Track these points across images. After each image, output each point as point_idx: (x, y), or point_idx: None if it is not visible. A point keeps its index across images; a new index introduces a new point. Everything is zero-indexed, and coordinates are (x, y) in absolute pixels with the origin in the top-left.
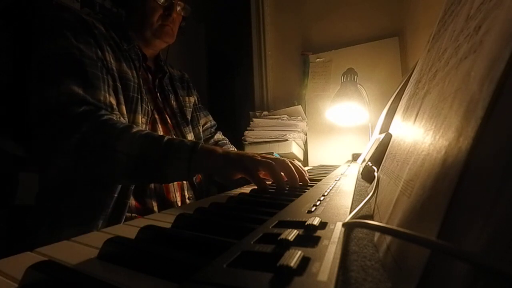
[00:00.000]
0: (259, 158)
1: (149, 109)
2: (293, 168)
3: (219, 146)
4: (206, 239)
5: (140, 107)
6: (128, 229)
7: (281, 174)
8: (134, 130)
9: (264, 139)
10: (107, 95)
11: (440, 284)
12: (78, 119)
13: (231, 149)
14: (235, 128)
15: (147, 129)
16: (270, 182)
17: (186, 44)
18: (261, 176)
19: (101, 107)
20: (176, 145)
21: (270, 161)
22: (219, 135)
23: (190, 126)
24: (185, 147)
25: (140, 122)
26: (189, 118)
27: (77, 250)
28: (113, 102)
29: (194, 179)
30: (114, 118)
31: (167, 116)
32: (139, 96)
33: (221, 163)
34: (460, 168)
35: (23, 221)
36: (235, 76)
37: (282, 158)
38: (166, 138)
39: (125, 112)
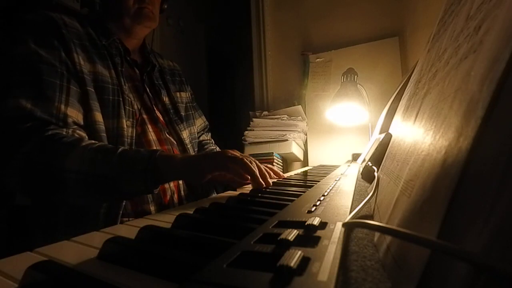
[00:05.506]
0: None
1: (135, 109)
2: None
3: (202, 145)
4: (206, 239)
5: (123, 110)
6: (128, 229)
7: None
8: (84, 144)
9: (264, 139)
10: (62, 106)
11: (440, 284)
12: (21, 137)
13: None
14: (235, 128)
15: (135, 132)
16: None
17: (186, 44)
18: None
19: (50, 121)
20: (131, 156)
21: (230, 154)
22: (204, 136)
23: (184, 123)
24: (140, 158)
25: (125, 126)
26: (183, 114)
27: (77, 250)
28: (71, 113)
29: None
30: (63, 133)
31: (158, 114)
32: (121, 99)
33: (182, 168)
34: (460, 168)
35: (22, 221)
36: (235, 76)
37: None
38: (120, 149)
39: (101, 119)
